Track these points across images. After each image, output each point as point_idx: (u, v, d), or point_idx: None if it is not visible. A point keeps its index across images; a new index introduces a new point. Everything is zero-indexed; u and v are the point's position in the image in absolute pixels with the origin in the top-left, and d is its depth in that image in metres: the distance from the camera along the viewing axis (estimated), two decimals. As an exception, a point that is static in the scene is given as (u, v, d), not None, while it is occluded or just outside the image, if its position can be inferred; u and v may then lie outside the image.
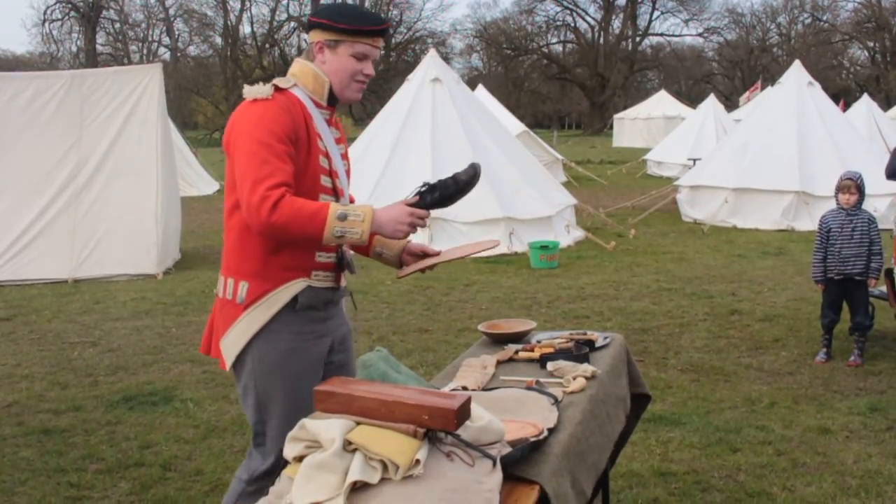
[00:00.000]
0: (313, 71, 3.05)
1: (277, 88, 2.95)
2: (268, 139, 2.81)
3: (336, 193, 3.08)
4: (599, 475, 2.84)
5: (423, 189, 3.06)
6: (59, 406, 6.11)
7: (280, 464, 2.92)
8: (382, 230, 2.92)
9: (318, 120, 3.04)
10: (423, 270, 3.25)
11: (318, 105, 3.06)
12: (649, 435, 5.33)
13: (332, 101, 3.10)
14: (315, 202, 2.81)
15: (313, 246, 2.98)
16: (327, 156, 3.05)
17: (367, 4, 65.19)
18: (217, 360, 3.11)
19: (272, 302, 2.96)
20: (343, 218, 2.78)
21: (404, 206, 2.97)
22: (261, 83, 2.97)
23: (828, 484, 4.61)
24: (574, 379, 3.11)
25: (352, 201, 3.30)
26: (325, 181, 3.02)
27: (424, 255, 3.31)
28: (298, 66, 3.08)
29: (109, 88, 11.40)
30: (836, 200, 6.98)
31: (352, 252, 3.24)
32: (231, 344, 3.00)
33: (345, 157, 3.25)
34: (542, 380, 3.14)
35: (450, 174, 3.11)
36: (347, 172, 3.26)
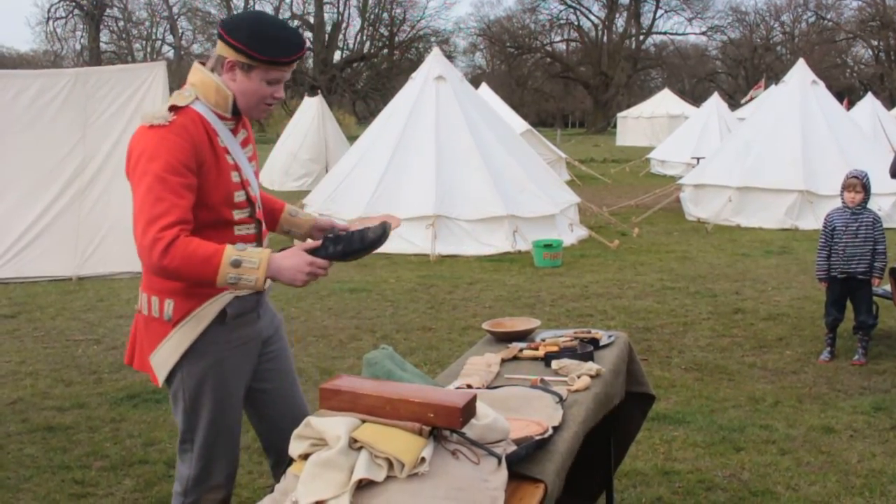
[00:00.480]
0: (216, 84, 2.94)
1: (176, 109, 2.86)
2: (163, 173, 2.73)
3: (251, 203, 3.04)
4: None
5: (329, 238, 2.96)
6: (64, 403, 6.12)
7: (208, 471, 3.07)
8: (279, 277, 2.81)
9: (224, 133, 2.98)
10: None
11: (221, 117, 2.98)
12: (653, 434, 5.33)
13: (237, 111, 3.02)
14: (210, 245, 2.73)
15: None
16: (237, 168, 2.99)
17: (370, 3, 65.26)
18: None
19: (201, 317, 2.94)
20: (237, 265, 2.71)
21: (304, 254, 2.84)
22: (163, 106, 2.90)
23: (832, 483, 4.61)
24: (578, 377, 3.11)
25: (265, 201, 3.32)
26: (239, 196, 2.98)
27: (333, 229, 3.27)
28: (199, 75, 2.97)
29: (113, 87, 11.39)
30: (842, 199, 6.97)
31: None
32: (163, 361, 2.98)
33: (252, 158, 3.18)
34: (546, 378, 3.14)
35: (361, 228, 3.03)
36: (256, 174, 3.20)
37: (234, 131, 3.05)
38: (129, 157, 2.87)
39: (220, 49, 2.92)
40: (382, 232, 2.96)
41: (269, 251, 2.80)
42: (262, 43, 2.85)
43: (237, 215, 2.98)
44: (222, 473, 3.11)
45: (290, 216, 3.41)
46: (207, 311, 2.93)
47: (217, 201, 2.90)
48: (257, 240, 3.09)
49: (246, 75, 2.90)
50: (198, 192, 2.83)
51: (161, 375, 3.00)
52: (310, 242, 2.95)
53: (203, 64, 3.01)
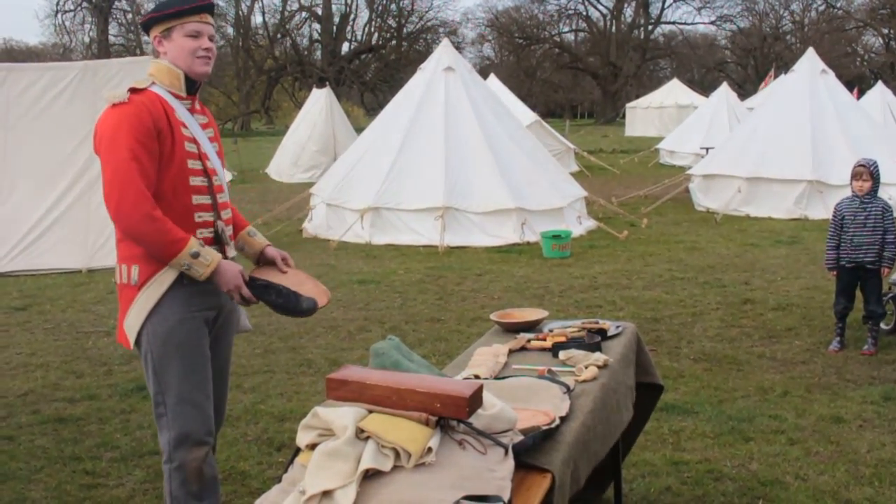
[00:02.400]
0: (166, 66, 3.32)
1: (134, 90, 3.21)
2: (132, 142, 3.10)
3: (207, 174, 3.36)
4: (597, 464, 2.83)
5: (274, 288, 3.31)
6: (74, 395, 6.16)
7: (185, 429, 3.27)
8: (220, 281, 3.23)
9: (181, 111, 3.31)
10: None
11: (177, 97, 3.33)
12: (662, 424, 5.33)
13: (192, 89, 3.37)
14: (179, 231, 3.14)
15: (190, 225, 3.28)
16: (194, 141, 3.32)
17: (378, -6, 65.11)
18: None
19: (163, 280, 3.22)
20: (195, 256, 3.14)
21: (241, 277, 3.26)
22: (124, 90, 3.24)
23: (841, 473, 4.61)
24: (586, 368, 3.11)
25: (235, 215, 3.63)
26: (193, 164, 3.30)
27: (274, 265, 3.57)
28: (153, 66, 3.34)
29: (122, 79, 11.40)
30: (851, 188, 6.94)
31: (228, 228, 3.49)
32: (131, 324, 3.27)
33: (214, 139, 3.51)
34: (554, 368, 3.14)
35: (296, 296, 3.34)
36: (220, 154, 3.55)
37: (192, 111, 3.40)
38: (96, 135, 3.24)
39: (150, 38, 3.34)
40: (310, 307, 3.32)
41: (220, 256, 3.23)
42: (167, 4, 3.28)
43: (192, 182, 3.30)
44: (201, 429, 3.30)
45: (247, 235, 3.66)
46: (168, 274, 3.22)
47: (171, 168, 3.22)
48: (213, 209, 3.38)
49: (169, 39, 3.29)
50: (161, 158, 3.20)
51: (131, 338, 3.28)
52: (261, 273, 3.45)
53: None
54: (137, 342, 3.29)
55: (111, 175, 3.11)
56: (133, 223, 3.09)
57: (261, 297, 3.28)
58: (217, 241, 3.40)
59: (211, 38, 3.35)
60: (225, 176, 3.58)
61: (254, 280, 3.34)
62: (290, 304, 3.28)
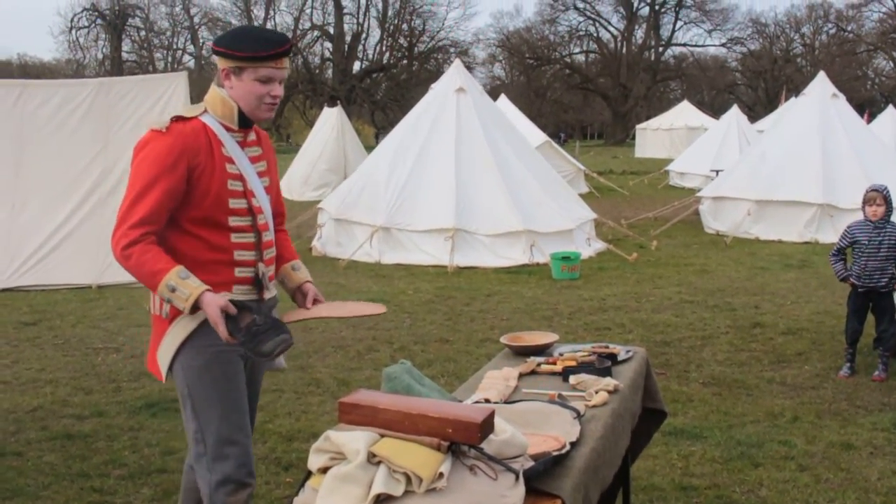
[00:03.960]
0: (221, 97, 3.18)
1: (180, 119, 3.10)
2: (147, 174, 3.00)
3: (252, 212, 3.22)
4: (605, 488, 2.83)
5: (252, 324, 3.04)
6: (83, 411, 6.16)
7: (226, 476, 3.13)
8: (205, 312, 3.02)
9: (230, 145, 3.18)
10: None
11: (229, 129, 3.20)
12: (671, 448, 5.31)
13: (246, 122, 3.23)
14: (161, 262, 2.99)
15: (227, 263, 3.18)
16: (240, 178, 3.18)
17: (389, 14, 65.52)
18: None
19: (196, 315, 3.08)
20: (171, 290, 2.98)
21: (222, 315, 2.99)
22: (168, 115, 3.15)
23: (851, 500, 4.58)
24: (596, 393, 3.11)
25: (280, 215, 3.56)
26: (236, 203, 3.16)
27: (315, 301, 3.46)
28: (210, 93, 3.22)
29: (136, 96, 11.48)
30: (864, 213, 6.92)
31: (270, 268, 3.36)
32: (163, 356, 3.17)
33: (266, 173, 3.37)
34: (564, 393, 3.14)
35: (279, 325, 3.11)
36: (273, 189, 3.42)
37: (244, 144, 3.26)
38: (133, 151, 3.13)
39: (217, 63, 3.17)
40: (269, 351, 3.03)
41: (203, 289, 3.00)
42: (243, 42, 3.10)
43: (233, 221, 3.17)
44: (242, 471, 3.18)
45: (291, 269, 3.54)
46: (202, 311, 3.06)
47: (209, 205, 3.10)
48: (255, 248, 3.24)
49: (238, 78, 3.12)
50: (190, 195, 3.07)
51: (163, 369, 3.19)
52: (291, 315, 3.31)
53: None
54: (174, 378, 3.20)
55: (124, 197, 3.06)
56: (116, 256, 3.02)
57: (234, 335, 3.03)
58: (256, 284, 3.26)
59: (281, 83, 3.19)
60: (268, 213, 3.37)
61: (238, 309, 3.09)
62: (249, 344, 3.02)
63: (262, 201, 3.29)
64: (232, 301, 3.05)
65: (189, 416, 3.20)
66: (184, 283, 2.99)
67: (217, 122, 3.17)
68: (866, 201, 6.88)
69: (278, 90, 3.17)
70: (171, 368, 3.19)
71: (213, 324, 3.01)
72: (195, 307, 3.00)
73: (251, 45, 3.08)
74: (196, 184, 3.07)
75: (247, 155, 3.26)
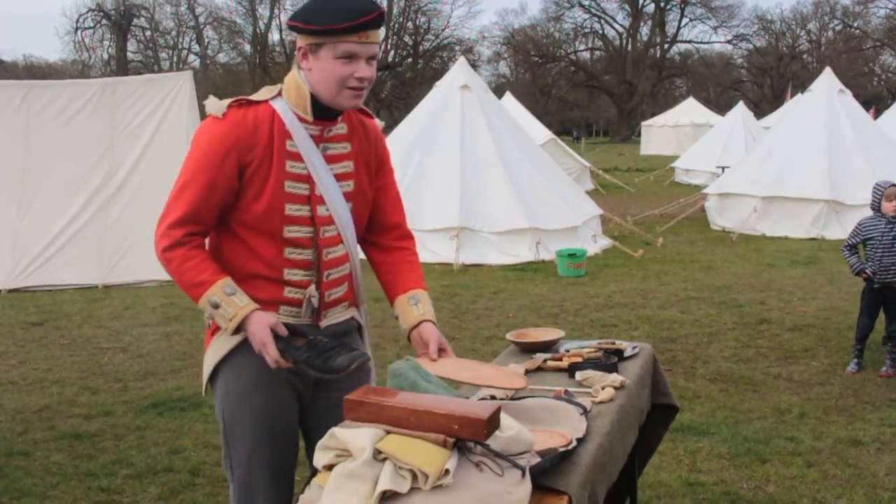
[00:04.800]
0: (296, 81, 2.69)
1: (243, 103, 2.67)
2: (192, 166, 2.62)
3: (314, 222, 2.72)
4: (611, 484, 2.82)
5: (308, 342, 2.63)
6: (90, 411, 6.18)
7: (242, 497, 2.81)
8: (250, 339, 2.62)
9: (301, 138, 2.68)
10: None
11: (302, 120, 2.69)
12: (677, 445, 5.30)
13: (324, 113, 2.71)
14: (205, 272, 2.60)
15: (276, 282, 2.72)
16: (306, 179, 2.69)
17: (394, 12, 65.48)
18: None
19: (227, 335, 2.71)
20: (215, 306, 2.59)
21: (269, 337, 2.57)
22: (220, 100, 2.69)
23: (859, 496, 4.57)
24: (603, 389, 3.10)
25: (395, 227, 3.11)
26: (294, 209, 2.68)
27: (441, 350, 2.94)
28: (289, 74, 2.73)
29: (141, 96, 11.51)
30: (879, 209, 6.85)
31: (337, 290, 2.86)
32: (205, 369, 2.84)
33: (349, 176, 2.82)
34: (570, 389, 3.13)
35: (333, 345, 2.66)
36: (351, 194, 2.83)
37: (322, 139, 2.74)
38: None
39: (297, 42, 2.67)
40: (342, 366, 2.59)
41: (250, 309, 2.60)
42: (316, 12, 2.55)
43: (290, 232, 2.69)
44: None
45: (407, 302, 2.96)
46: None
47: (261, 210, 2.64)
48: (312, 268, 2.75)
49: (316, 57, 2.59)
50: (241, 196, 2.65)
51: (203, 383, 2.89)
52: (282, 328, 2.63)
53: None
54: (213, 394, 2.87)
55: (173, 186, 2.68)
56: (157, 256, 2.64)
57: (294, 358, 2.60)
58: (308, 307, 2.77)
59: (370, 61, 2.62)
60: (347, 224, 2.82)
61: (293, 334, 2.66)
62: (316, 360, 2.58)
63: (337, 210, 2.75)
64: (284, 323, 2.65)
65: (221, 437, 2.87)
66: (229, 301, 2.58)
67: (290, 111, 2.67)
68: (886, 197, 6.84)
69: (365, 71, 2.60)
70: (211, 387, 2.86)
71: (260, 345, 2.57)
72: (240, 327, 2.61)
73: (328, 16, 2.52)
74: (249, 183, 2.62)
75: (324, 152, 2.73)
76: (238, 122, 2.61)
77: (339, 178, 2.77)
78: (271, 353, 2.56)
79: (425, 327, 2.89)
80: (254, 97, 2.70)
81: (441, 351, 2.91)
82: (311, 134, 2.70)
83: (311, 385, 2.82)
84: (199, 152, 2.62)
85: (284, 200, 2.66)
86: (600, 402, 3.00)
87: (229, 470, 2.84)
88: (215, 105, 2.64)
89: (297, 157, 2.67)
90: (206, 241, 2.76)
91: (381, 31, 2.66)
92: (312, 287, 2.74)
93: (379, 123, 3.02)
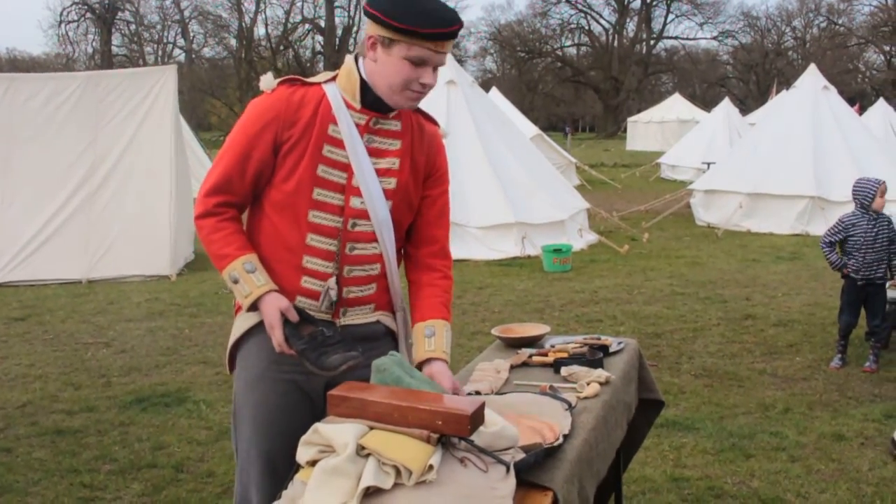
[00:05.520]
0: (349, 67, 2.63)
1: (296, 82, 2.64)
2: (234, 135, 2.62)
3: (344, 214, 2.64)
4: (600, 481, 2.82)
5: (311, 333, 2.57)
6: (73, 407, 6.14)
7: (247, 496, 2.77)
8: (263, 316, 2.60)
9: (346, 125, 2.60)
10: None
11: (350, 107, 2.63)
12: (662, 440, 5.31)
13: (374, 104, 2.64)
14: (231, 244, 2.60)
15: (295, 269, 2.66)
16: (344, 168, 2.61)
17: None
18: None
19: (248, 313, 2.68)
20: (234, 281, 2.58)
21: (281, 320, 2.54)
22: (274, 80, 2.67)
23: (842, 491, 4.58)
24: (588, 384, 3.10)
25: (432, 242, 2.94)
26: (323, 196, 2.61)
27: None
28: (346, 59, 2.68)
29: (125, 90, 11.45)
30: (870, 205, 6.85)
31: (360, 289, 2.74)
32: (229, 343, 2.81)
33: (392, 173, 2.70)
34: (555, 385, 3.12)
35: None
36: (392, 192, 2.70)
37: (368, 129, 2.65)
38: None
39: (367, 27, 2.59)
40: (334, 365, 2.51)
41: (266, 289, 2.57)
42: (404, 10, 2.45)
43: (314, 217, 2.62)
44: (259, 499, 2.75)
45: (422, 333, 2.77)
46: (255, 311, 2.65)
47: (290, 189, 2.60)
48: (334, 259, 2.65)
49: (387, 51, 2.51)
50: (275, 172, 2.61)
51: (228, 364, 2.84)
52: (293, 313, 2.58)
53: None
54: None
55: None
56: (194, 216, 2.66)
57: (291, 342, 2.56)
58: (325, 301, 2.67)
59: (436, 69, 2.57)
60: (384, 222, 2.71)
61: (304, 321, 2.61)
62: (312, 353, 2.53)
63: (375, 205, 2.65)
64: (297, 309, 2.60)
65: (231, 430, 2.86)
66: (247, 278, 2.57)
67: (340, 96, 2.62)
68: (881, 193, 6.86)
69: (430, 78, 2.55)
70: (231, 368, 2.82)
71: (269, 327, 2.55)
72: (255, 306, 2.59)
73: (412, 16, 2.43)
74: (282, 161, 2.59)
75: (368, 144, 2.65)
76: (283, 98, 2.59)
77: (380, 173, 2.68)
78: (277, 337, 2.54)
79: (436, 368, 2.67)
80: (310, 79, 2.68)
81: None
82: (357, 122, 2.64)
83: (321, 386, 2.67)
84: (239, 125, 2.63)
85: (314, 184, 2.60)
86: (585, 398, 2.99)
87: (235, 452, 2.84)
88: (268, 81, 2.63)
89: (339, 144, 2.61)
90: (244, 216, 2.74)
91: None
92: (332, 280, 2.65)
93: (442, 132, 2.94)
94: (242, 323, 2.73)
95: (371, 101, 2.63)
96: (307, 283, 2.65)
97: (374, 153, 2.66)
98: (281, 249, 2.65)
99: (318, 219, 2.62)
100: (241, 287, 2.57)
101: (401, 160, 2.71)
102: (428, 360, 2.69)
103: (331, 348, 2.53)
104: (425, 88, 2.57)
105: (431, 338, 2.74)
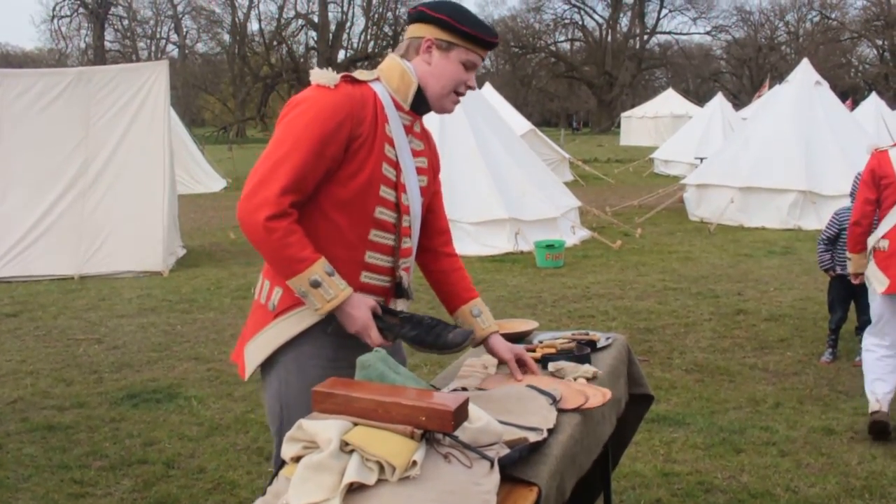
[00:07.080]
0: (401, 68, 2.74)
1: (351, 80, 2.67)
2: (305, 130, 2.53)
3: (399, 209, 2.73)
4: (581, 475, 2.82)
5: (404, 318, 2.68)
6: (64, 403, 6.13)
7: None
8: (346, 322, 2.62)
9: (395, 124, 2.72)
10: None
11: (398, 107, 2.74)
12: (653, 435, 5.32)
13: (418, 107, 2.79)
14: (307, 248, 2.53)
15: (357, 264, 2.70)
16: (396, 166, 2.71)
17: (374, 2, 65.31)
18: (235, 366, 2.88)
19: (303, 316, 2.65)
20: (315, 285, 2.53)
21: (372, 319, 2.62)
22: (331, 71, 2.67)
23: (832, 485, 4.60)
24: (575, 380, 3.10)
25: (443, 233, 3.11)
26: (386, 193, 2.69)
27: (524, 368, 3.01)
28: (388, 60, 2.78)
29: (117, 86, 11.43)
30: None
31: (408, 277, 2.87)
32: (255, 351, 2.73)
33: (424, 171, 2.88)
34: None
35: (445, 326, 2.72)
36: (426, 190, 2.89)
37: (409, 130, 2.79)
38: (284, 108, 2.66)
39: (416, 30, 2.73)
40: (457, 341, 2.66)
41: (350, 291, 2.59)
42: (466, 17, 2.68)
43: (380, 214, 2.69)
44: None
45: (469, 313, 3.00)
46: (312, 313, 2.62)
47: (358, 186, 2.63)
48: (393, 254, 2.76)
49: (445, 55, 2.70)
50: (342, 169, 2.61)
51: (249, 367, 2.76)
52: (379, 309, 2.66)
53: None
54: (265, 385, 2.80)
55: (261, 158, 2.55)
56: (249, 224, 2.49)
57: (396, 335, 2.64)
58: (399, 293, 2.81)
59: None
60: (416, 217, 2.86)
61: (386, 313, 2.68)
62: (427, 336, 2.62)
63: (414, 201, 2.80)
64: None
65: (274, 435, 2.78)
66: (330, 282, 2.54)
67: (388, 95, 2.72)
68: None
69: (474, 81, 2.79)
70: (263, 373, 2.78)
71: (363, 328, 2.59)
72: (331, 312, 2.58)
73: (475, 25, 2.68)
74: (352, 158, 2.60)
75: (409, 144, 2.80)
76: (350, 94, 2.61)
77: (418, 172, 2.84)
78: (374, 337, 2.60)
79: (495, 343, 2.99)
80: (356, 76, 2.72)
81: (522, 366, 3.01)
82: (403, 123, 2.76)
83: None
84: (308, 118, 2.55)
85: (380, 181, 2.68)
86: (572, 393, 2.99)
87: (275, 461, 2.72)
88: (326, 76, 2.63)
89: (392, 142, 2.71)
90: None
91: None
92: (401, 273, 2.79)
93: None
94: (290, 328, 2.67)
95: (416, 104, 2.77)
96: (366, 278, 2.73)
97: (414, 154, 2.82)
98: (339, 247, 2.66)
99: (382, 215, 2.70)
100: (323, 291, 2.54)
101: (427, 159, 2.92)
102: (489, 337, 2.99)
103: (438, 328, 2.66)
104: (466, 92, 2.78)
105: (479, 317, 2.99)
